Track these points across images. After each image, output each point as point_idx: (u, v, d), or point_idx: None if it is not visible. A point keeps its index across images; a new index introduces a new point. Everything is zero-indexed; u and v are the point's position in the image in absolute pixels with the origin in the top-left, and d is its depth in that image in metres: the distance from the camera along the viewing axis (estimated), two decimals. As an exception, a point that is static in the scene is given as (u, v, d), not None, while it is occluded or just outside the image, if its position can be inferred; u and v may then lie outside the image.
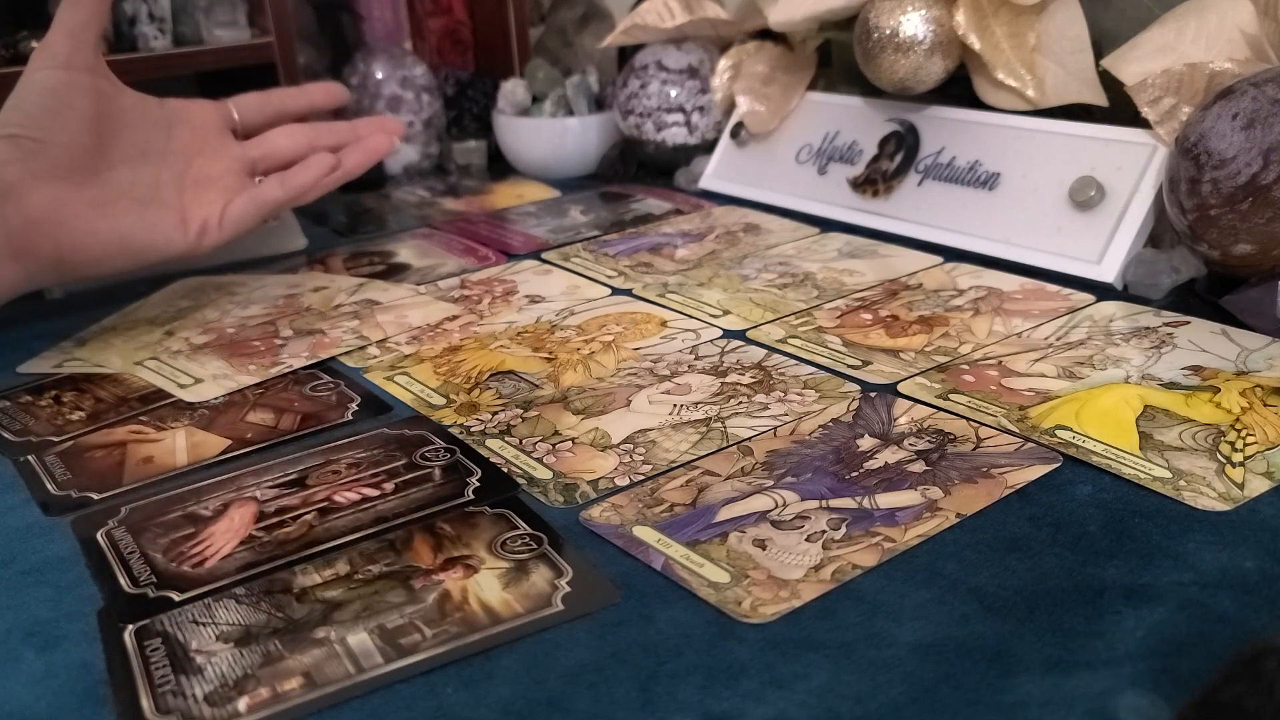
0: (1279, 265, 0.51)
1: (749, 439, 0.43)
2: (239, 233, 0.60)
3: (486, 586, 0.35)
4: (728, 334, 0.54)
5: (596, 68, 0.92)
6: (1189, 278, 0.56)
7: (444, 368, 0.52)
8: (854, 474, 0.40)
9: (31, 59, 0.54)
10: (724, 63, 0.81)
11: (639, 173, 0.86)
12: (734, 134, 0.79)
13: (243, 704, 0.30)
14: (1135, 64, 0.58)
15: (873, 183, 0.70)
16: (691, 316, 0.57)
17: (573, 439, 0.44)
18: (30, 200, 0.52)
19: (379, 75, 0.90)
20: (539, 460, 0.43)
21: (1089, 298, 0.56)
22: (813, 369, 0.49)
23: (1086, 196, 0.59)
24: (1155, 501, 0.38)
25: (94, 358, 0.55)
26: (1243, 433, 0.41)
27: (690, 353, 0.52)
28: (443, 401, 0.48)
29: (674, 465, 0.42)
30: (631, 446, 0.43)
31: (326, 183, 0.63)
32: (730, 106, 0.80)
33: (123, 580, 0.36)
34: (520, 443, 0.44)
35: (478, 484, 0.41)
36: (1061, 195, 0.61)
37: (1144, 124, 0.58)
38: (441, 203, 0.83)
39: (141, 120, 0.57)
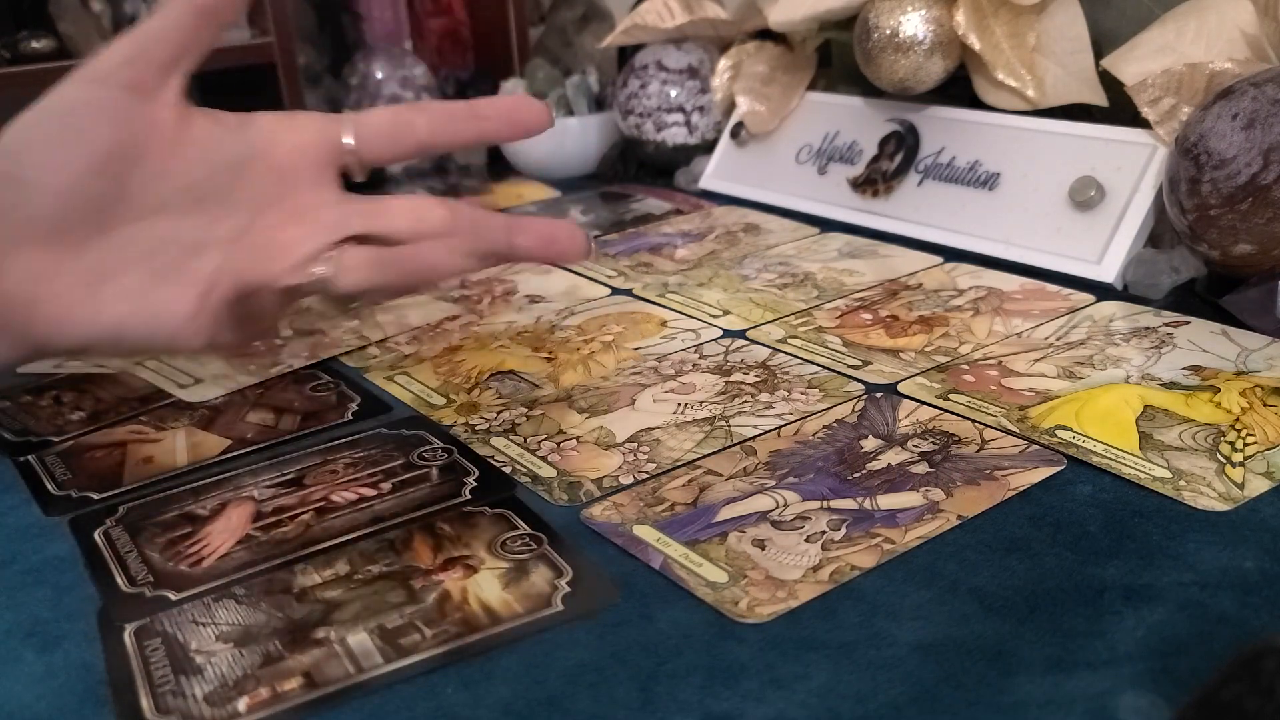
0: (1279, 265, 0.51)
1: (752, 438, 0.43)
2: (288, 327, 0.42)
3: (486, 586, 0.35)
4: (728, 334, 0.54)
5: (596, 68, 0.92)
6: (1189, 278, 0.56)
7: (444, 368, 0.52)
8: (856, 475, 0.40)
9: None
10: (724, 63, 0.81)
11: (639, 173, 0.86)
12: (734, 134, 0.79)
13: (243, 704, 0.30)
14: (1135, 64, 0.58)
15: (873, 183, 0.70)
16: (691, 316, 0.57)
17: (577, 438, 0.44)
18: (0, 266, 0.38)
19: (379, 75, 0.90)
20: (543, 459, 0.43)
21: (1089, 298, 0.56)
22: (817, 368, 0.49)
23: (1086, 196, 0.59)
24: (1155, 501, 0.38)
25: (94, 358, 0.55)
26: (1243, 433, 0.41)
27: (695, 351, 0.52)
28: (443, 401, 0.48)
29: (677, 464, 0.42)
30: (636, 445, 0.43)
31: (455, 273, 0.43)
32: (730, 106, 0.80)
33: (119, 579, 0.36)
34: (525, 441, 0.44)
35: (475, 484, 0.41)
36: (1061, 195, 0.60)
37: (1144, 124, 0.58)
38: (441, 203, 0.83)
39: (203, 154, 0.40)
